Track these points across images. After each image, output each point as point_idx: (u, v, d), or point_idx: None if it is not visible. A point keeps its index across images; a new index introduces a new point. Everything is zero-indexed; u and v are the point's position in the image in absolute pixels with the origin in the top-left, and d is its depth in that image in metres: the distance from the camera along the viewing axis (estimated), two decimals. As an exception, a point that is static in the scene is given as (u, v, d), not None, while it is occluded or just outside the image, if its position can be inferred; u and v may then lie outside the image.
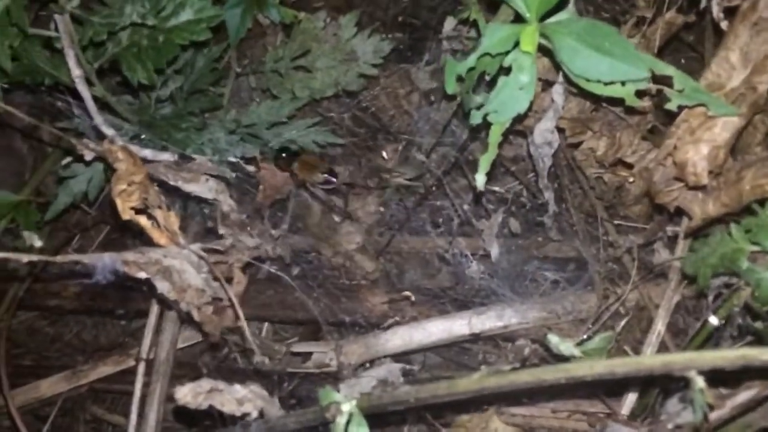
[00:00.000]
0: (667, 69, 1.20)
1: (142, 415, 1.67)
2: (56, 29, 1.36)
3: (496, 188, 1.79)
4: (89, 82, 1.45)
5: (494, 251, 1.69)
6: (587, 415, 1.54)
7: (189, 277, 1.22)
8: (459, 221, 1.75)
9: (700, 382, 0.89)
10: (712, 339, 1.34)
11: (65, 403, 1.87)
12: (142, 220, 1.23)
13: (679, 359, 0.91)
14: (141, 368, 1.72)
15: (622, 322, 1.53)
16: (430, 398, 1.06)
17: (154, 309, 1.75)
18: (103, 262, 1.11)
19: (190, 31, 1.40)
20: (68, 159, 1.76)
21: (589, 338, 1.44)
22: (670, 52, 1.81)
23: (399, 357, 1.64)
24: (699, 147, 1.23)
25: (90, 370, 1.84)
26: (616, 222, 1.65)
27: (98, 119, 1.40)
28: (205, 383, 1.10)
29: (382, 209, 1.77)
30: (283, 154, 1.69)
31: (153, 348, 1.73)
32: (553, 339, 1.23)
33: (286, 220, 1.78)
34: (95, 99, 1.48)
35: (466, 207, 1.74)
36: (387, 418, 1.61)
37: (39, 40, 1.47)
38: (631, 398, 1.48)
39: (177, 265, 1.20)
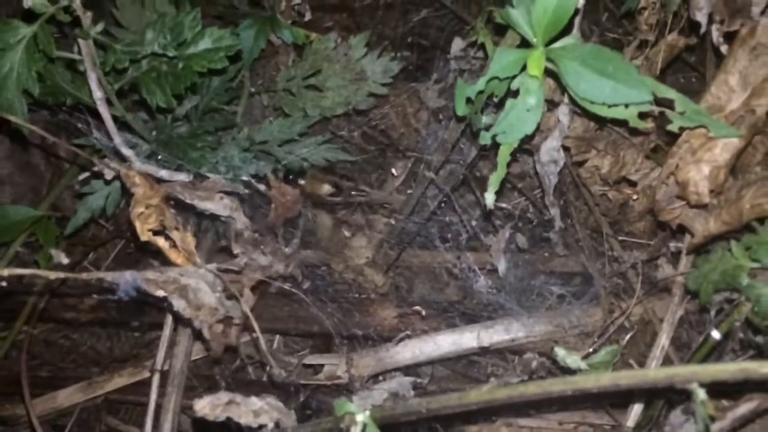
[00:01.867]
0: (668, 92, 1.24)
1: (156, 426, 1.68)
2: (79, 52, 1.40)
3: (504, 204, 1.83)
4: (109, 102, 1.49)
5: (501, 266, 1.73)
6: (594, 427, 1.57)
7: (204, 295, 1.26)
8: (467, 236, 1.78)
9: (701, 394, 0.91)
10: (714, 353, 1.37)
11: (81, 413, 1.89)
12: (160, 242, 1.28)
13: (681, 372, 0.93)
14: (155, 379, 1.74)
15: (627, 336, 1.56)
16: (442, 409, 1.08)
17: (169, 322, 1.77)
18: (126, 279, 1.15)
19: (208, 59, 1.45)
20: (85, 175, 1.80)
21: (595, 351, 1.47)
22: (673, 72, 1.86)
23: (408, 369, 1.67)
24: (700, 167, 1.27)
25: (105, 381, 1.86)
26: (620, 238, 1.68)
27: (117, 140, 1.45)
28: (223, 396, 1.14)
29: (393, 223, 1.80)
30: (290, 176, 1.74)
31: (167, 360, 1.75)
32: (560, 352, 1.27)
33: (298, 236, 1.81)
34: (114, 119, 1.52)
35: (474, 223, 1.77)
36: (398, 429, 1.64)
37: (62, 62, 1.52)
38: (636, 410, 1.51)
39: (193, 284, 1.24)
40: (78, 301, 1.88)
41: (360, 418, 1.11)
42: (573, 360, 1.26)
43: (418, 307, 1.68)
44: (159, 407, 1.71)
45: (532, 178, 1.81)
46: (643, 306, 1.59)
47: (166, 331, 1.78)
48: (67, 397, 1.86)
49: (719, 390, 1.29)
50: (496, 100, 1.36)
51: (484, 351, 1.64)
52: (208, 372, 1.88)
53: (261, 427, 1.19)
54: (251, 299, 1.41)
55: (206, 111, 1.73)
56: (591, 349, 1.54)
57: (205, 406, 1.13)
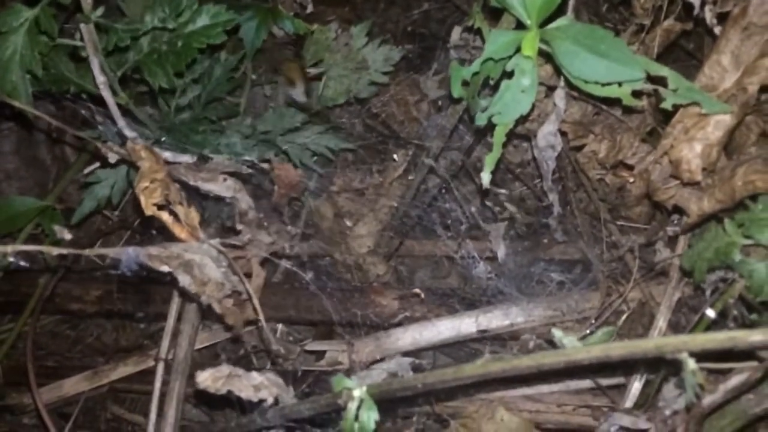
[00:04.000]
0: (661, 70, 1.25)
1: (161, 414, 1.71)
2: (81, 39, 1.43)
3: (503, 191, 1.84)
4: (112, 91, 1.52)
5: (501, 252, 1.74)
6: (592, 409, 1.58)
7: (209, 270, 1.28)
8: (467, 224, 1.80)
9: (691, 363, 0.92)
10: (709, 331, 1.38)
11: (87, 402, 1.92)
12: (164, 216, 1.29)
13: (671, 342, 0.94)
14: (160, 368, 1.77)
15: (623, 317, 1.57)
16: (438, 383, 1.08)
17: (173, 311, 1.80)
18: (128, 254, 1.18)
19: (207, 35, 1.47)
20: (91, 167, 1.83)
21: (592, 333, 1.49)
22: (671, 60, 1.87)
23: (409, 354, 1.67)
24: (693, 145, 1.28)
25: (110, 370, 1.90)
26: (618, 223, 1.69)
27: (121, 122, 1.47)
28: (225, 368, 1.16)
29: (393, 212, 1.82)
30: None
31: (171, 349, 1.78)
32: (557, 333, 1.27)
33: (300, 224, 1.83)
34: (118, 107, 1.55)
35: (473, 210, 1.79)
36: (396, 409, 1.66)
37: (64, 50, 1.55)
38: (634, 391, 1.52)
39: (197, 260, 1.26)
40: (83, 293, 1.91)
41: (357, 393, 1.12)
42: (569, 340, 1.27)
43: (417, 290, 1.69)
44: (163, 396, 1.73)
45: (531, 166, 1.82)
46: (641, 290, 1.60)
47: (170, 321, 1.80)
48: (73, 386, 1.89)
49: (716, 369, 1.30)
50: (492, 83, 1.37)
51: (483, 336, 1.66)
52: (212, 361, 1.91)
53: (261, 401, 1.21)
54: (262, 274, 1.43)
55: (209, 101, 1.75)
56: (588, 332, 1.56)
57: (207, 378, 1.15)
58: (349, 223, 1.85)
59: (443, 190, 1.79)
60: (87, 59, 1.46)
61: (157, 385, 1.76)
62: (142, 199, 1.26)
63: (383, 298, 1.72)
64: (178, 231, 1.27)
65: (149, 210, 1.27)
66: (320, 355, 1.74)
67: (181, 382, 1.73)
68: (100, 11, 1.38)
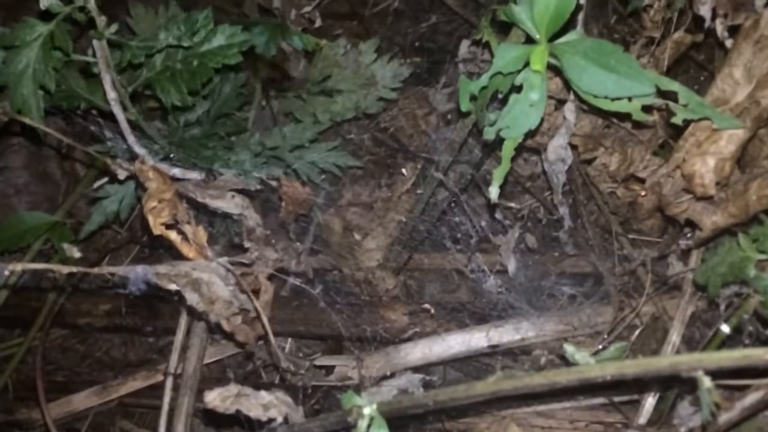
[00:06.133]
0: (671, 84, 1.25)
1: (169, 429, 1.70)
2: (93, 55, 1.43)
3: (513, 205, 1.83)
4: (123, 107, 1.52)
5: (511, 266, 1.73)
6: (605, 425, 1.57)
7: (217, 289, 1.27)
8: (477, 237, 1.79)
9: (707, 382, 0.91)
10: (724, 347, 1.37)
11: (96, 417, 1.90)
12: (172, 235, 1.29)
13: (686, 360, 0.93)
14: (169, 383, 1.76)
15: (637, 332, 1.56)
16: (449, 401, 1.07)
17: (182, 325, 1.79)
18: (136, 273, 1.17)
19: (222, 55, 1.47)
20: (100, 182, 1.83)
21: (604, 348, 1.47)
22: (682, 71, 1.86)
23: (419, 369, 1.67)
24: (706, 159, 1.27)
25: (119, 385, 1.88)
26: (630, 236, 1.67)
27: (131, 138, 1.47)
28: (233, 388, 1.15)
29: (402, 225, 1.81)
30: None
31: (180, 363, 1.77)
32: (569, 348, 1.26)
33: (309, 239, 1.83)
34: (128, 122, 1.55)
35: (483, 223, 1.78)
36: (406, 427, 1.64)
37: (76, 65, 1.55)
38: (648, 408, 1.50)
39: (205, 278, 1.26)
40: (92, 307, 1.90)
41: (367, 411, 1.11)
42: (582, 356, 1.26)
43: (427, 306, 1.68)
44: (172, 411, 1.72)
45: (541, 179, 1.81)
46: (654, 304, 1.59)
47: (179, 335, 1.80)
48: (82, 400, 1.88)
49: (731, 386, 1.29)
50: (500, 96, 1.37)
51: (494, 351, 1.64)
52: (221, 375, 1.90)
53: (270, 420, 1.20)
54: (270, 290, 1.43)
55: (218, 116, 1.75)
56: (600, 347, 1.54)
57: (215, 398, 1.14)
58: (358, 237, 1.84)
59: (452, 204, 1.78)
60: (98, 75, 1.46)
61: (166, 400, 1.75)
62: (150, 220, 1.27)
63: (393, 313, 1.71)
64: (186, 250, 1.27)
65: (157, 230, 1.27)
66: (330, 370, 1.73)
67: (189, 397, 1.73)
68: (113, 28, 1.38)
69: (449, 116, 1.88)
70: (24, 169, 2.14)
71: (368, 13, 2.21)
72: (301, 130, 1.78)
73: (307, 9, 1.91)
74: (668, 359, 0.95)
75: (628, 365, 0.96)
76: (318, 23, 1.92)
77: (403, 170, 1.83)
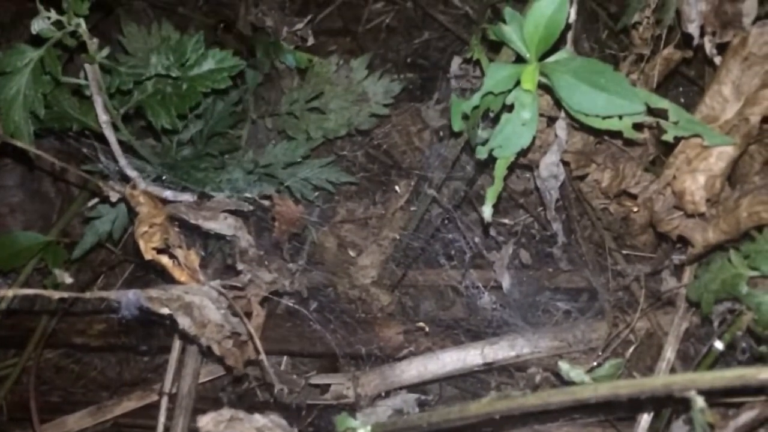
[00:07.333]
0: (661, 102, 1.25)
1: (164, 449, 1.70)
2: (85, 77, 1.43)
3: (507, 221, 1.84)
4: (115, 127, 1.52)
5: (506, 282, 1.73)
6: (601, 442, 1.57)
7: (209, 312, 1.27)
8: (471, 254, 1.79)
9: (700, 401, 0.91)
10: (719, 364, 1.37)
11: (91, 438, 1.91)
12: (164, 260, 1.29)
13: (679, 380, 0.93)
14: (164, 402, 1.75)
15: (631, 349, 1.56)
16: (443, 423, 1.07)
17: (176, 345, 1.78)
18: (128, 298, 1.17)
19: (212, 79, 1.48)
20: (94, 201, 1.83)
21: (599, 365, 1.47)
22: (672, 87, 1.87)
23: (415, 387, 1.67)
24: (696, 176, 1.28)
25: (114, 405, 1.87)
26: (623, 252, 1.67)
27: (122, 162, 1.47)
28: (226, 412, 1.14)
29: (396, 242, 1.81)
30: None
31: (175, 383, 1.76)
32: (564, 366, 1.26)
33: (303, 256, 1.83)
34: (120, 143, 1.55)
35: (477, 240, 1.78)
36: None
37: (68, 87, 1.55)
38: (643, 425, 1.49)
39: (197, 301, 1.26)
40: (87, 327, 1.90)
41: (361, 433, 1.11)
42: (576, 373, 1.26)
43: (422, 324, 1.68)
44: (167, 430, 1.71)
45: (534, 195, 1.81)
46: (648, 319, 1.59)
47: (174, 354, 1.79)
48: (77, 421, 1.87)
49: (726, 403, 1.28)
50: (492, 115, 1.37)
51: (489, 368, 1.64)
52: (216, 394, 1.89)
53: (264, 443, 1.20)
54: (262, 314, 1.42)
55: (211, 135, 1.75)
56: (595, 363, 1.54)
57: (208, 423, 1.14)
58: (352, 254, 1.84)
59: (446, 220, 1.79)
60: (90, 97, 1.47)
61: (161, 419, 1.74)
62: (142, 244, 1.26)
63: (388, 330, 1.71)
64: (178, 274, 1.27)
65: (149, 254, 1.27)
66: (325, 388, 1.72)
67: (185, 416, 1.72)
68: (105, 52, 1.38)
69: (442, 132, 1.88)
70: (18, 188, 2.14)
71: (361, 30, 2.22)
72: (294, 147, 1.78)
73: (300, 26, 1.92)
74: (662, 379, 0.94)
75: (621, 385, 0.96)
76: (311, 41, 1.92)
77: (397, 187, 1.83)
